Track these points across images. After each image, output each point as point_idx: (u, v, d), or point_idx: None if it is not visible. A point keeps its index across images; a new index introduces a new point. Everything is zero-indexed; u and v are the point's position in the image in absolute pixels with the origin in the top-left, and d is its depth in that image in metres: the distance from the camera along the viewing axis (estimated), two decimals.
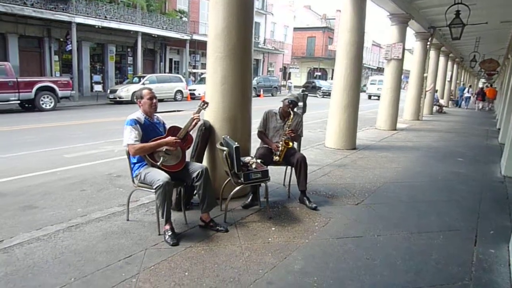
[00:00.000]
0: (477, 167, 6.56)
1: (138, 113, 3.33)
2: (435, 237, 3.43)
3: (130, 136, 3.15)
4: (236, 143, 3.41)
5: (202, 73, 24.12)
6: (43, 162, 5.88)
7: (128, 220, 3.49)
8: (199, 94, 19.86)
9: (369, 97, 28.24)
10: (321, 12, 46.02)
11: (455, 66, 23.57)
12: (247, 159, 3.75)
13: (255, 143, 4.44)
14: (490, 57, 19.27)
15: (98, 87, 18.55)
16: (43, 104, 13.14)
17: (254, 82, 23.16)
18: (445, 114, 17.51)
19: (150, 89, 3.42)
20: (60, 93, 13.65)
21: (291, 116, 4.18)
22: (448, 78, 21.45)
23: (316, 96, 27.89)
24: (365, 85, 42.80)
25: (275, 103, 4.48)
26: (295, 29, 39.97)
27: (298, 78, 41.09)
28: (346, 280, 2.61)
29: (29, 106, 13.12)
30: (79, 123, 10.52)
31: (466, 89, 26.09)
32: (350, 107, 7.41)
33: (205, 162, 4.08)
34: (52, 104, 13.41)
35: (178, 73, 23.93)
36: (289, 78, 36.60)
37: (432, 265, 2.90)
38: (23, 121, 10.56)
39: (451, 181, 5.54)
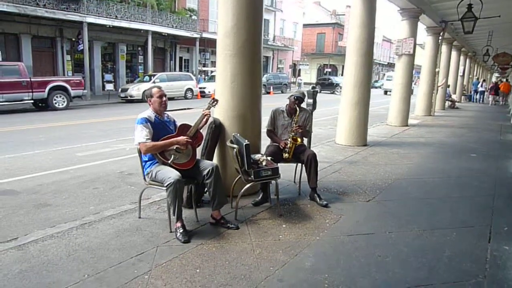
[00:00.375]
0: (491, 162, 6.44)
1: (148, 112, 3.36)
2: (448, 233, 3.38)
3: (142, 134, 3.18)
4: (246, 140, 3.41)
5: (212, 71, 24.17)
6: (55, 161, 5.98)
7: (140, 217, 3.53)
8: (209, 92, 19.92)
9: (385, 92, 28.10)
10: (331, 8, 45.66)
11: (467, 60, 23.14)
12: (257, 156, 3.75)
13: (265, 141, 4.43)
14: (504, 51, 18.85)
15: (109, 86, 18.76)
16: (56, 103, 13.35)
17: (263, 79, 23.10)
18: (457, 110, 17.23)
19: (159, 88, 3.45)
20: (73, 92, 13.85)
21: (298, 112, 4.17)
22: (460, 73, 21.08)
23: (335, 93, 27.59)
24: (376, 81, 42.45)
25: (284, 100, 4.47)
26: (305, 25, 39.72)
27: (308, 74, 40.90)
28: (357, 277, 2.59)
29: (42, 105, 13.34)
30: (91, 122, 10.66)
31: (480, 83, 25.63)
32: (361, 104, 7.34)
33: (215, 160, 4.10)
34: (65, 103, 13.61)
35: (188, 71, 24.04)
36: (298, 75, 36.43)
37: (445, 262, 2.86)
38: (36, 120, 10.75)
39: (464, 177, 5.46)
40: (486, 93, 24.94)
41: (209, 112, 3.51)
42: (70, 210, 3.90)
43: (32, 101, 12.99)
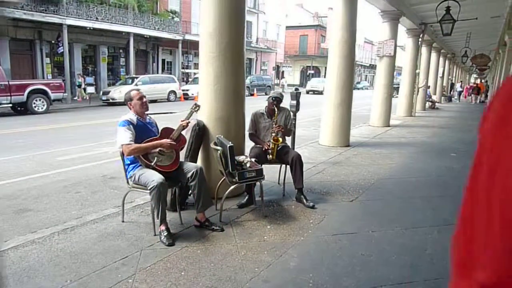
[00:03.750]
0: (470, 161, 6.61)
1: (130, 115, 3.33)
2: (430, 232, 3.46)
3: (124, 136, 3.15)
4: (230, 142, 3.42)
5: (195, 73, 24.06)
6: (36, 165, 5.84)
7: (123, 221, 3.49)
8: (193, 94, 19.80)
9: (307, 92, 30.37)
10: (313, 10, 46.06)
11: (447, 62, 23.76)
12: (241, 158, 3.76)
13: (249, 142, 4.45)
14: (481, 52, 19.45)
15: (90, 89, 18.43)
16: (35, 107, 13.02)
17: (247, 81, 23.15)
18: (438, 110, 17.65)
19: (138, 90, 3.44)
20: (53, 95, 13.54)
21: (277, 112, 4.20)
22: (440, 74, 21.61)
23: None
24: (358, 82, 43.05)
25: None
26: (288, 27, 39.97)
27: (291, 76, 41.14)
28: (341, 276, 2.63)
29: (21, 109, 12.99)
30: (72, 126, 10.45)
31: (459, 84, 26.83)
32: (343, 105, 7.44)
33: (199, 162, 4.09)
34: (45, 107, 13.30)
35: (171, 73, 23.85)
36: (282, 77, 36.63)
37: (427, 259, 2.93)
38: (15, 124, 10.47)
39: (445, 176, 5.60)
40: (462, 92, 26.36)
41: (188, 121, 3.49)
42: (52, 215, 3.82)
43: (10, 105, 12.63)
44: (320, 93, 27.57)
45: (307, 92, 29.81)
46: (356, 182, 5.01)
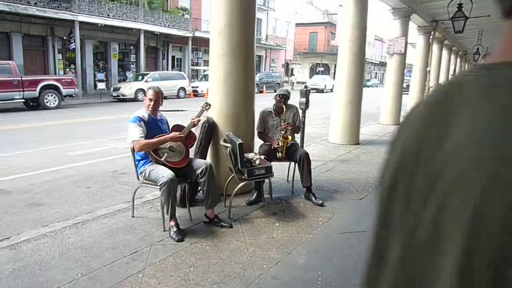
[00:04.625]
0: None
1: (142, 111, 3.37)
2: None
3: (135, 132, 3.19)
4: (240, 139, 3.43)
5: (204, 70, 24.12)
6: (47, 160, 5.93)
7: (133, 216, 3.53)
8: (202, 91, 19.85)
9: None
10: (323, 7, 45.72)
11: (458, 59, 23.41)
12: (250, 155, 3.77)
13: (258, 140, 4.45)
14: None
15: (101, 85, 18.61)
16: (47, 102, 13.21)
17: (256, 78, 23.05)
18: None
19: (156, 91, 3.41)
20: (64, 91, 13.72)
21: (285, 109, 4.18)
22: (451, 72, 21.31)
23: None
24: (368, 80, 42.66)
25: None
26: (297, 24, 39.77)
27: (301, 73, 40.97)
28: (350, 274, 2.63)
29: (34, 104, 13.19)
30: (83, 121, 10.58)
31: None
32: (353, 102, 7.39)
33: (209, 159, 4.10)
34: (56, 102, 13.48)
35: (180, 70, 23.94)
36: (292, 74, 36.50)
37: None
38: (27, 119, 10.63)
39: None
40: None
41: (198, 119, 3.53)
42: (63, 209, 3.88)
43: (23, 100, 12.84)
44: (321, 91, 27.03)
45: None
46: (365, 180, 4.99)
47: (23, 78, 12.66)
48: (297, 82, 31.83)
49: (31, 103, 13.22)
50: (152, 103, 3.38)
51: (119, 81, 20.35)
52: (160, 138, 3.26)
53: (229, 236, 3.18)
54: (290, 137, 4.15)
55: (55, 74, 17.50)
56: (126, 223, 3.39)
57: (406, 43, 10.41)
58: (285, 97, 4.22)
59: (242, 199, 3.98)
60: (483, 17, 10.34)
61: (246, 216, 3.62)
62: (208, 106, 3.73)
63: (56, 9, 16.27)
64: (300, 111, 4.75)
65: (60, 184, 4.74)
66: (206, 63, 22.68)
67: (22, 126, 9.45)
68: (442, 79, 18.43)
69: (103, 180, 4.97)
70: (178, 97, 19.01)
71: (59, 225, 3.32)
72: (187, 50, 24.07)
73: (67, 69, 18.76)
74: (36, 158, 6.07)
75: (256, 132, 4.37)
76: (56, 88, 13.44)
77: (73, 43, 17.08)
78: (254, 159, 3.71)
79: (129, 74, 20.73)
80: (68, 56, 18.83)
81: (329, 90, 25.47)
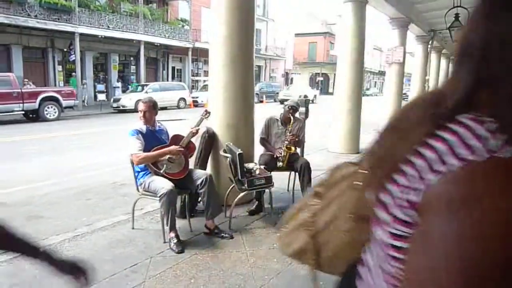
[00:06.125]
0: None
1: (140, 123, 3.39)
2: None
3: (134, 146, 3.20)
4: (239, 149, 3.42)
5: (204, 81, 24.25)
6: (47, 172, 5.92)
7: (133, 228, 3.50)
8: (202, 101, 19.91)
9: (281, 102, 28.07)
10: (322, 18, 46.21)
11: None
12: (250, 165, 3.76)
13: (258, 150, 4.44)
14: None
15: (101, 96, 18.70)
16: (47, 114, 13.24)
17: (256, 88, 23.14)
18: None
19: (145, 102, 3.41)
20: (64, 103, 13.76)
21: (292, 121, 4.20)
22: None
23: None
24: (368, 89, 42.82)
25: (277, 109, 4.50)
26: (296, 34, 40.12)
27: (300, 83, 41.19)
28: None
29: (34, 116, 13.22)
30: (83, 133, 10.59)
31: None
32: (353, 111, 7.42)
33: (209, 169, 4.09)
34: (56, 114, 13.51)
35: (180, 81, 24.07)
36: (291, 83, 36.70)
37: None
38: (27, 131, 10.65)
39: None
40: None
41: (197, 128, 3.53)
42: (62, 222, 3.85)
43: (23, 112, 12.88)
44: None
45: (281, 102, 21.04)
46: None
47: (23, 90, 12.72)
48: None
49: (31, 115, 13.25)
50: (143, 114, 3.39)
51: (123, 92, 20.37)
52: (159, 151, 3.26)
53: (230, 247, 3.16)
54: (293, 149, 4.16)
55: (55, 85, 17.60)
56: (126, 235, 3.36)
57: (405, 52, 10.50)
58: (294, 108, 4.25)
59: (242, 209, 3.96)
60: None
61: (246, 227, 3.60)
62: (208, 114, 3.73)
63: (56, 21, 16.44)
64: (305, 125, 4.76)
65: (60, 197, 4.71)
66: (206, 73, 22.78)
67: (21, 138, 9.45)
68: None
69: (103, 191, 4.95)
70: (178, 107, 19.06)
71: (59, 238, 3.30)
72: (187, 60, 24.25)
73: (81, 84, 18.91)
74: (36, 171, 6.06)
75: (258, 138, 4.38)
76: (56, 100, 13.49)
77: (73, 55, 17.20)
78: (254, 169, 3.70)
79: (118, 84, 20.74)
80: (68, 67, 18.95)
81: (310, 101, 21.80)
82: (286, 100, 22.99)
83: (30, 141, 9.07)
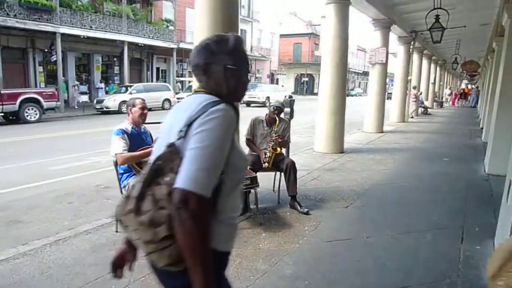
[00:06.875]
0: (462, 166, 6.69)
1: (125, 124, 3.33)
2: (423, 236, 3.48)
3: (118, 145, 3.15)
4: None
5: (189, 81, 24.09)
6: (28, 176, 5.78)
7: (117, 231, 3.44)
8: None
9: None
10: (307, 19, 46.51)
11: (438, 68, 24.07)
12: None
13: (244, 150, 4.44)
14: (471, 58, 19.74)
15: (84, 98, 18.35)
16: (27, 116, 12.93)
17: None
18: (430, 115, 17.82)
19: (143, 100, 3.45)
20: (45, 104, 13.47)
21: (277, 122, 4.22)
22: (431, 80, 21.87)
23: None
24: (352, 89, 43.29)
25: (263, 110, 4.52)
26: (281, 35, 40.31)
27: (286, 84, 41.38)
28: (337, 283, 2.63)
29: (13, 118, 12.90)
30: (65, 135, 10.39)
31: (448, 89, 28.79)
32: (337, 112, 7.49)
33: None
34: (37, 116, 13.21)
35: (165, 82, 23.87)
36: (277, 83, 36.81)
37: (421, 264, 2.94)
38: (6, 133, 10.38)
39: (438, 181, 5.64)
40: (449, 97, 28.77)
41: None
42: (44, 226, 3.77)
43: (2, 114, 12.54)
44: (263, 105, 20.35)
45: (248, 105, 21.06)
46: (350, 188, 5.03)
47: (2, 92, 12.39)
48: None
49: (11, 117, 12.93)
50: (145, 111, 3.38)
51: (106, 93, 20.06)
52: (144, 151, 3.21)
53: None
54: (279, 149, 4.18)
55: (36, 87, 17.20)
56: (109, 238, 3.32)
57: (387, 53, 10.67)
58: (279, 109, 4.27)
59: None
60: (460, 28, 10.71)
61: None
62: None
63: (36, 21, 16.06)
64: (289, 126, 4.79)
65: (41, 200, 4.61)
66: (191, 74, 22.60)
67: (1, 141, 9.20)
68: (423, 87, 18.89)
69: (86, 194, 4.87)
70: (163, 108, 18.89)
71: (40, 242, 3.23)
72: (172, 61, 24.05)
73: (74, 85, 18.66)
74: (15, 174, 5.91)
75: (245, 139, 4.38)
76: (37, 101, 13.19)
77: (55, 55, 16.84)
78: None
79: (102, 85, 20.43)
80: (50, 68, 18.55)
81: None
82: (252, 102, 20.61)
83: (10, 143, 8.84)
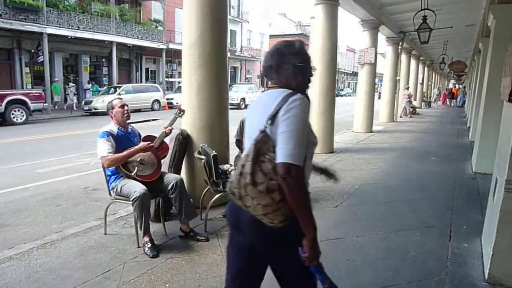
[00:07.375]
0: (450, 165, 6.78)
1: (110, 125, 3.29)
2: (412, 234, 3.52)
3: (103, 148, 3.11)
4: (214, 151, 3.40)
5: (179, 82, 23.96)
6: (14, 178, 5.68)
7: (105, 234, 3.42)
8: (177, 103, 19.66)
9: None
10: (296, 19, 46.68)
11: (426, 68, 24.38)
12: (225, 166, 3.75)
13: (234, 151, 4.43)
14: (458, 59, 20.03)
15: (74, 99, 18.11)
16: (14, 117, 12.72)
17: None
18: (418, 115, 18.03)
19: (120, 99, 3.43)
20: (32, 106, 13.27)
21: None
22: (420, 81, 22.14)
23: None
24: (342, 89, 43.57)
25: (239, 112, 4.51)
26: (271, 36, 40.30)
27: None
28: None
29: None
30: (53, 136, 10.23)
31: (436, 89, 29.52)
32: (327, 112, 7.53)
33: (183, 172, 4.05)
34: (24, 118, 13.00)
35: (155, 82, 23.72)
36: (267, 84, 36.81)
37: (410, 262, 2.97)
38: None
39: (426, 179, 5.70)
40: (437, 97, 29.44)
41: (171, 128, 3.48)
42: (31, 229, 3.71)
43: None
44: (238, 107, 19.80)
45: None
46: (340, 187, 5.05)
47: None
48: None
49: None
50: (126, 108, 3.33)
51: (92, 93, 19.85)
52: (129, 151, 3.17)
53: (206, 249, 3.13)
54: None
55: (23, 88, 16.92)
56: (98, 241, 3.28)
57: (376, 53, 10.77)
58: None
59: (218, 211, 3.94)
60: (447, 28, 10.86)
61: (222, 229, 3.58)
62: (182, 113, 3.69)
63: (23, 21, 15.80)
64: None
65: (28, 203, 4.54)
66: (180, 75, 22.46)
67: None
68: (411, 87, 19.10)
69: (74, 197, 4.80)
70: (152, 109, 18.78)
71: (26, 246, 3.17)
72: (161, 62, 23.90)
73: (68, 86, 18.58)
74: (2, 176, 5.80)
75: (235, 139, 4.36)
76: (23, 103, 12.98)
77: (42, 56, 16.58)
78: (230, 170, 3.70)
79: (89, 86, 20.21)
80: (37, 69, 18.26)
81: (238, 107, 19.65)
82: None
83: None
